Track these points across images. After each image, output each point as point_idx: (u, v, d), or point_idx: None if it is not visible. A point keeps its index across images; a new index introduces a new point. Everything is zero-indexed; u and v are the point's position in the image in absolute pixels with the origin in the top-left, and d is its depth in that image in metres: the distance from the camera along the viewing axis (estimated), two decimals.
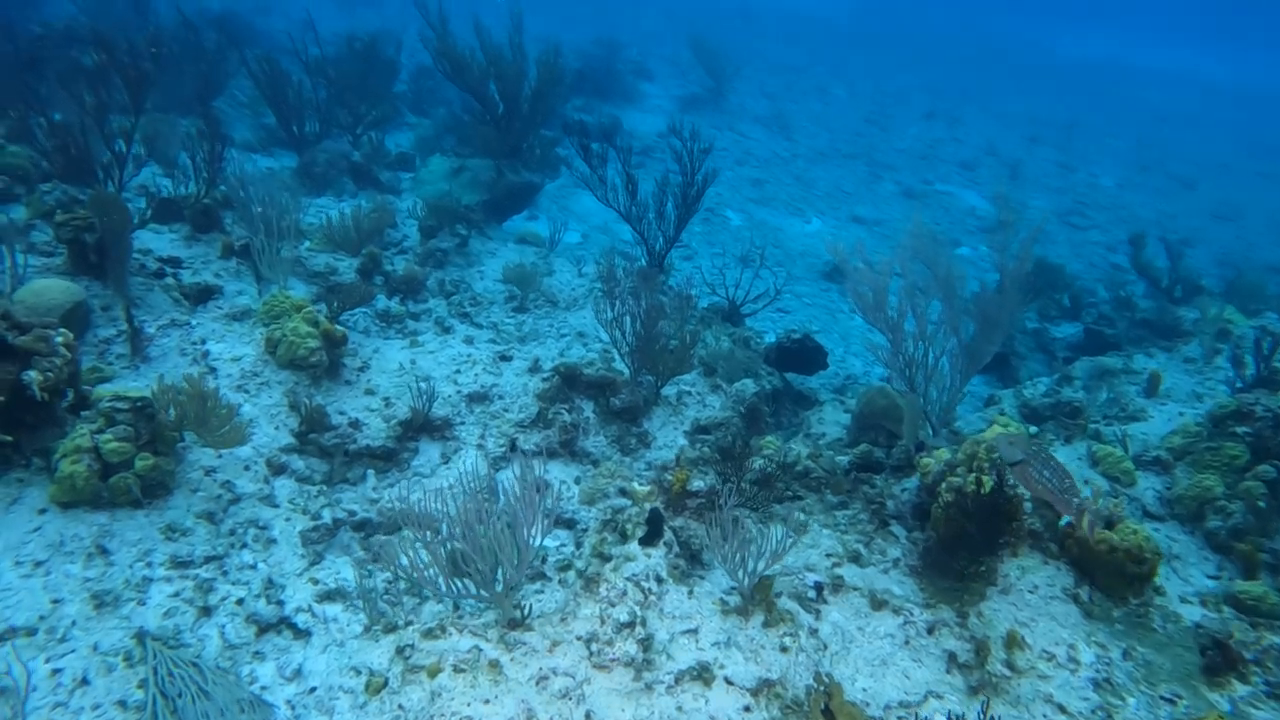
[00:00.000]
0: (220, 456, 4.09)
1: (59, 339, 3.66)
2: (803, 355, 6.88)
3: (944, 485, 4.04)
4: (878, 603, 3.81)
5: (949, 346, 5.28)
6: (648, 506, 3.93)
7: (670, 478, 4.12)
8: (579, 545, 4.16)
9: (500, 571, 3.31)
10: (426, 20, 9.07)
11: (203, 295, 5.58)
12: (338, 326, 4.86)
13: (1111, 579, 3.94)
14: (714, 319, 7.16)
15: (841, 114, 18.81)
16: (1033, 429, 6.01)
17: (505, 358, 5.79)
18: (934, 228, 12.55)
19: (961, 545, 3.99)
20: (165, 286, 5.44)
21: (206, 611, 3.39)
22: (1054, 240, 13.25)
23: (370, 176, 9.15)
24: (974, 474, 3.94)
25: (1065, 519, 4.13)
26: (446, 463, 4.66)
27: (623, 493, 4.51)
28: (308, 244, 6.85)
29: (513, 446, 4.89)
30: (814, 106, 19.14)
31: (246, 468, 4.12)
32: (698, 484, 4.14)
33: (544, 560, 3.97)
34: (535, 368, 5.65)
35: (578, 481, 4.77)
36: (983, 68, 27.73)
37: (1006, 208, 5.10)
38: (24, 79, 7.20)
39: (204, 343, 4.79)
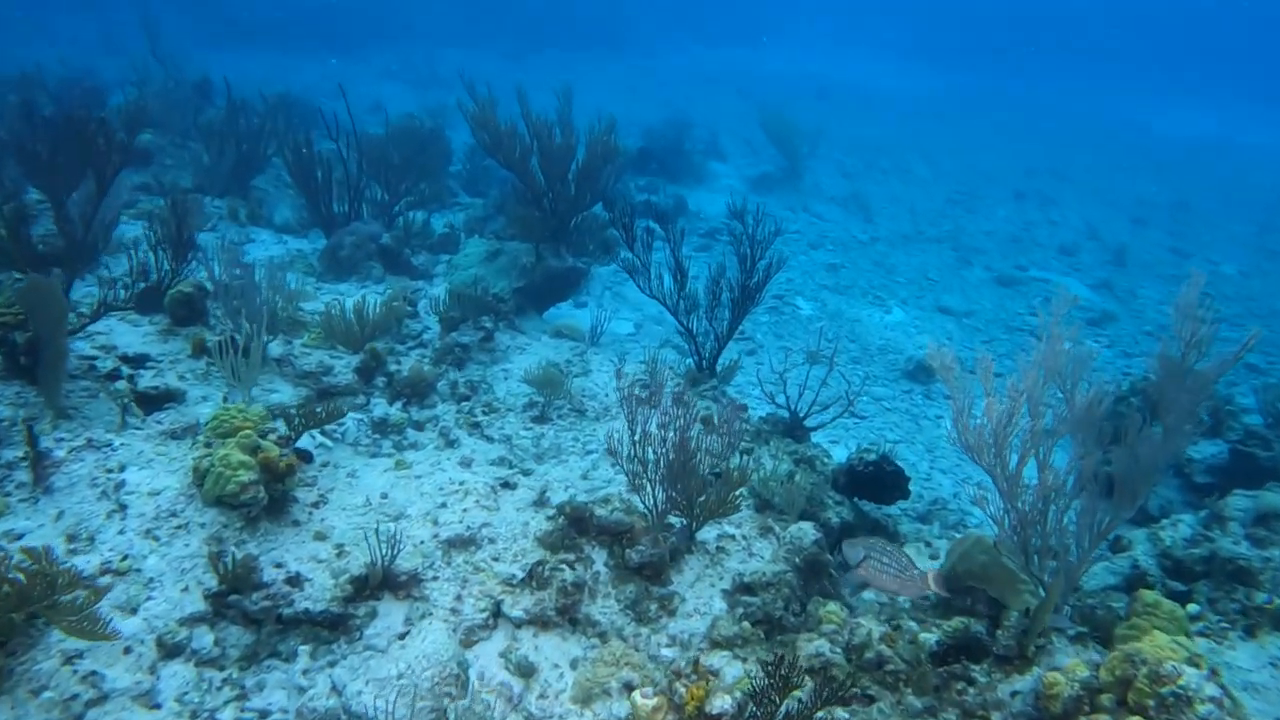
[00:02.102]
0: None
1: None
2: (879, 481, 5.64)
3: None
4: None
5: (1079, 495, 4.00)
6: None
7: (684, 691, 2.95)
8: None
9: None
10: (469, 92, 8.42)
11: (158, 402, 4.74)
12: (287, 453, 3.89)
13: None
14: (772, 434, 6.00)
15: (924, 194, 17.64)
16: (1192, 608, 4.60)
17: (507, 485, 4.74)
18: (1030, 320, 11.19)
19: None
20: (115, 392, 4.61)
21: None
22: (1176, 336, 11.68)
23: (401, 260, 8.41)
24: None
25: None
26: (403, 637, 3.58)
27: (627, 688, 3.36)
28: (304, 339, 6.02)
29: (496, 613, 3.79)
30: (895, 186, 18.04)
31: (128, 650, 3.13)
32: (721, 704, 2.95)
33: None
34: (542, 500, 4.58)
35: (574, 666, 3.63)
36: (1073, 146, 26.27)
37: (1191, 316, 3.88)
38: None
39: (123, 470, 3.88)
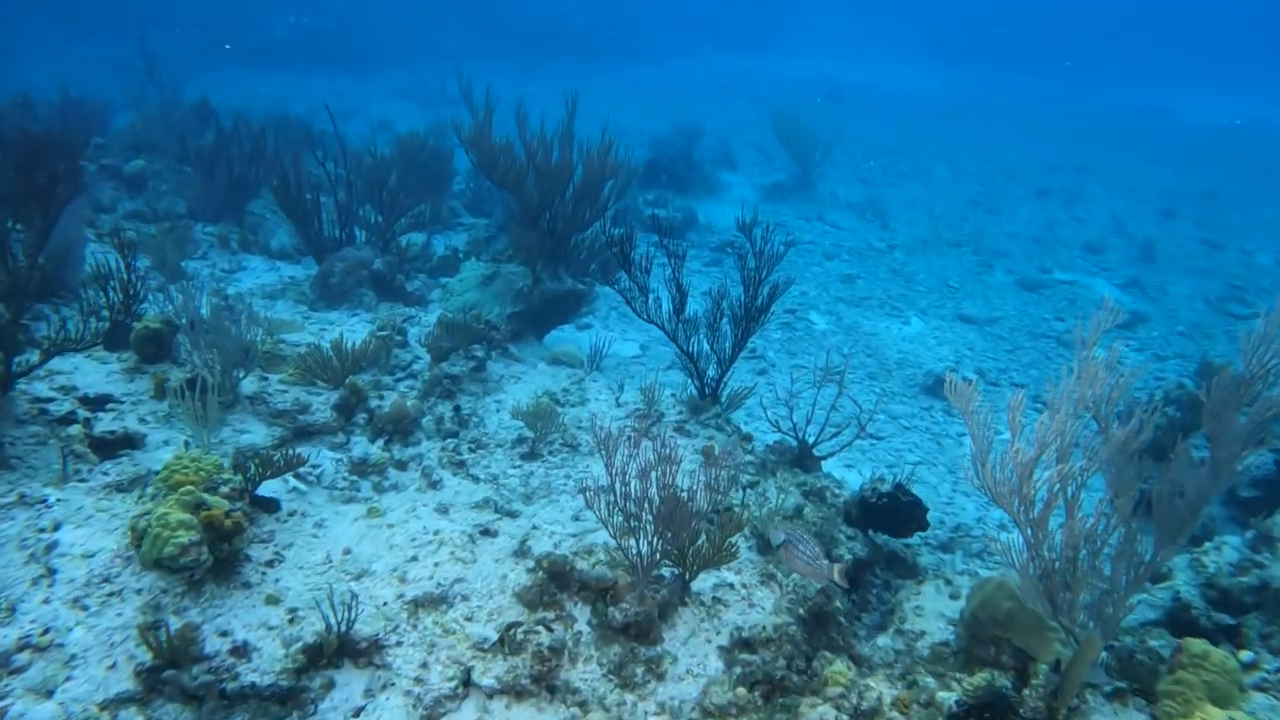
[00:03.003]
0: None
1: None
2: (894, 513, 5.23)
3: None
4: None
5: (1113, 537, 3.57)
6: None
7: None
8: None
9: None
10: (466, 100, 8.13)
11: (115, 447, 4.45)
12: (237, 508, 3.57)
13: None
14: (779, 464, 5.61)
15: (944, 196, 17.14)
16: (1245, 656, 4.14)
17: (487, 532, 4.39)
18: (1056, 325, 10.70)
19: None
20: (66, 438, 4.32)
21: None
22: (1210, 333, 11.13)
23: (394, 286, 8.12)
24: None
25: None
26: (358, 714, 3.24)
27: None
28: (282, 374, 5.72)
29: (466, 681, 3.44)
30: (913, 189, 17.55)
31: None
32: None
33: None
34: (523, 550, 4.22)
35: None
36: (1096, 138, 25.57)
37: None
38: None
39: (57, 529, 3.58)
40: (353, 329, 7.28)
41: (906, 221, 14.99)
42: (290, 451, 4.11)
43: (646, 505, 3.71)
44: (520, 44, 34.24)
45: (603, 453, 3.70)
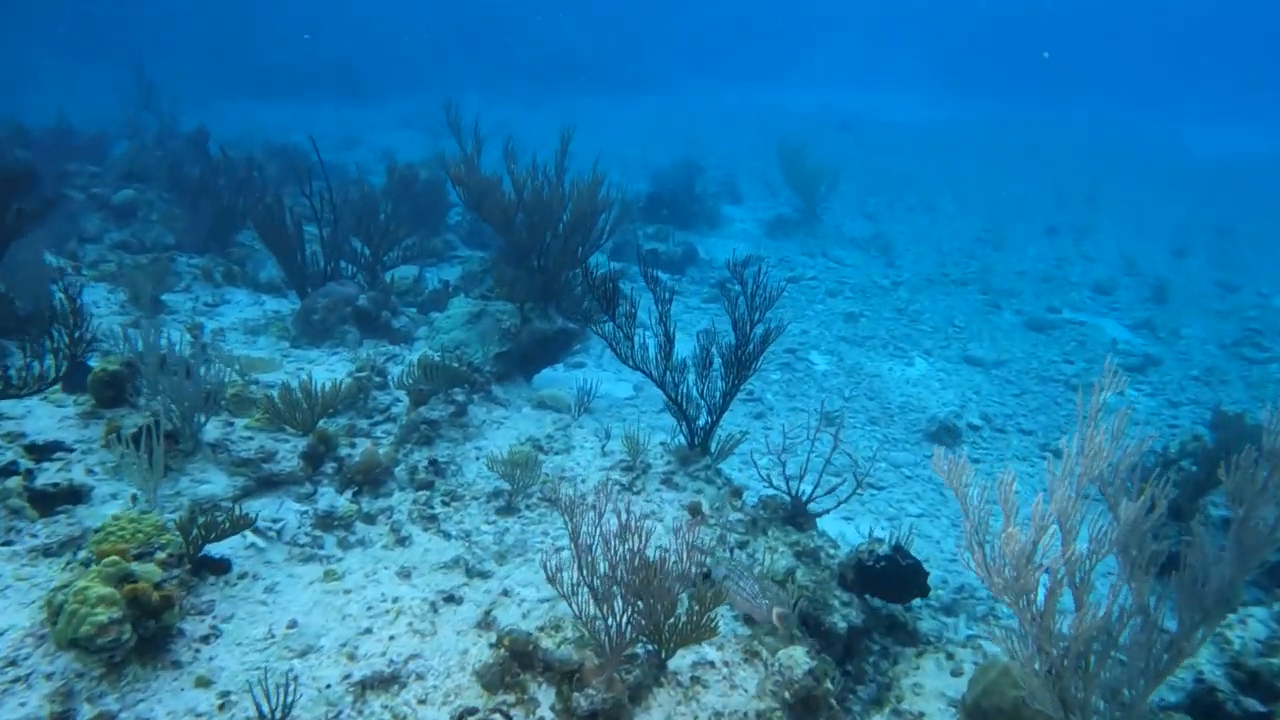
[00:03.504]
0: None
1: None
2: (893, 578, 4.90)
3: None
4: None
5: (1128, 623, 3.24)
6: None
7: None
8: None
9: None
10: (456, 139, 7.94)
11: (57, 501, 4.17)
12: (172, 577, 3.27)
13: None
14: (771, 521, 5.29)
15: (951, 231, 16.88)
16: None
17: (451, 599, 4.09)
18: (1065, 368, 10.36)
19: None
20: (2, 493, 4.04)
21: None
22: (1225, 378, 10.77)
23: (379, 323, 7.87)
24: None
25: None
26: None
27: None
28: (249, 419, 5.45)
29: None
30: (919, 224, 17.30)
31: None
32: None
33: None
34: (487, 621, 3.91)
35: None
36: (1107, 171, 25.34)
37: None
38: None
39: None
40: (332, 368, 7.02)
41: (912, 257, 14.72)
42: (238, 511, 3.81)
43: (616, 576, 3.39)
44: (528, 74, 34.37)
45: (566, 520, 3.38)
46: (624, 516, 3.25)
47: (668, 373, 5.61)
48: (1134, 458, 3.31)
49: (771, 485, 5.39)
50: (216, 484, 4.84)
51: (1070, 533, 3.07)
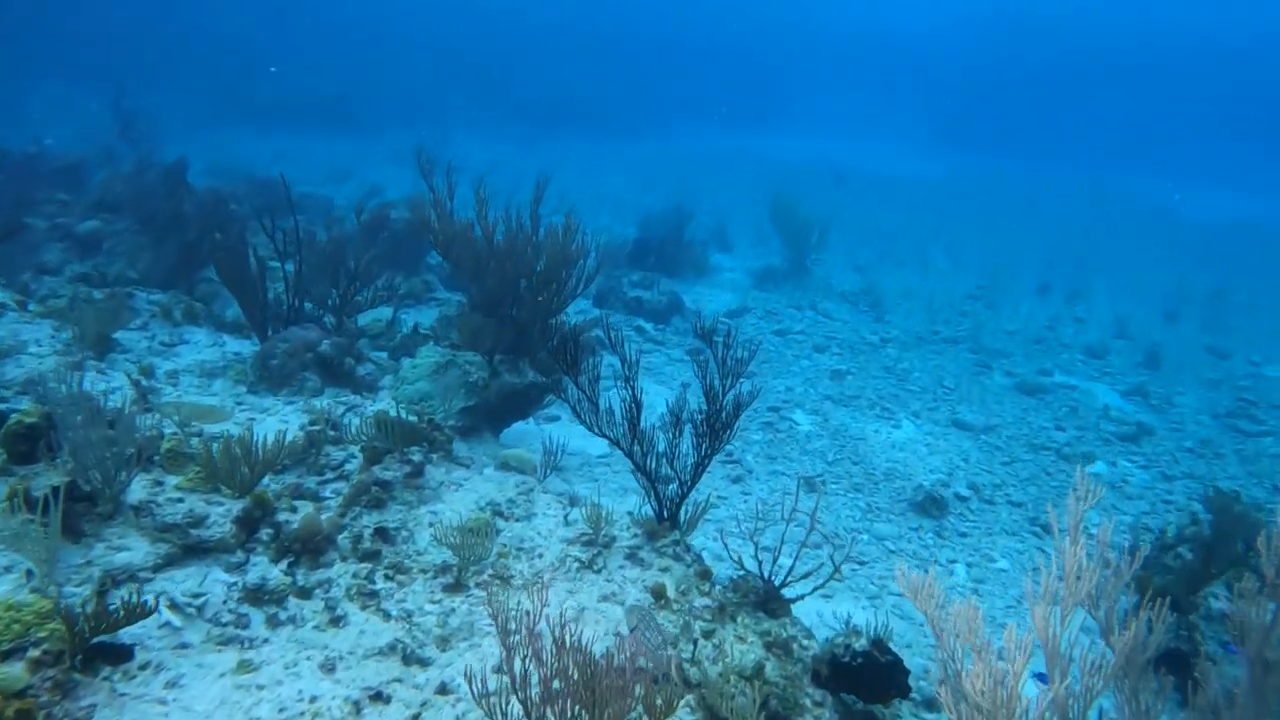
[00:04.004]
0: None
1: None
2: (870, 675, 4.52)
3: None
4: None
5: None
6: None
7: None
8: None
9: None
10: (428, 183, 7.68)
11: None
12: (38, 682, 2.87)
13: None
14: (740, 606, 4.91)
15: (943, 288, 16.68)
16: None
17: (378, 697, 3.68)
18: (1057, 436, 10.04)
19: None
20: None
21: None
22: (1220, 451, 10.46)
23: (342, 371, 7.50)
24: None
25: None
26: None
27: None
28: (183, 477, 5.06)
29: None
30: (910, 279, 17.10)
31: None
32: None
33: None
34: None
35: None
36: (1099, 231, 25.35)
37: None
38: None
39: None
40: (286, 419, 6.64)
41: (903, 313, 14.48)
42: (134, 599, 3.41)
43: (560, 682, 3.00)
44: (525, 115, 34.43)
45: (496, 625, 3.01)
46: (561, 627, 2.88)
47: (635, 443, 5.25)
48: (1125, 577, 2.96)
49: (743, 568, 5.02)
50: (136, 552, 4.44)
51: (1057, 664, 2.71)
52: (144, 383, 6.91)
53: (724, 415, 5.23)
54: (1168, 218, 30.64)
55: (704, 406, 5.26)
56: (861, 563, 6.96)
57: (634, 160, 29.30)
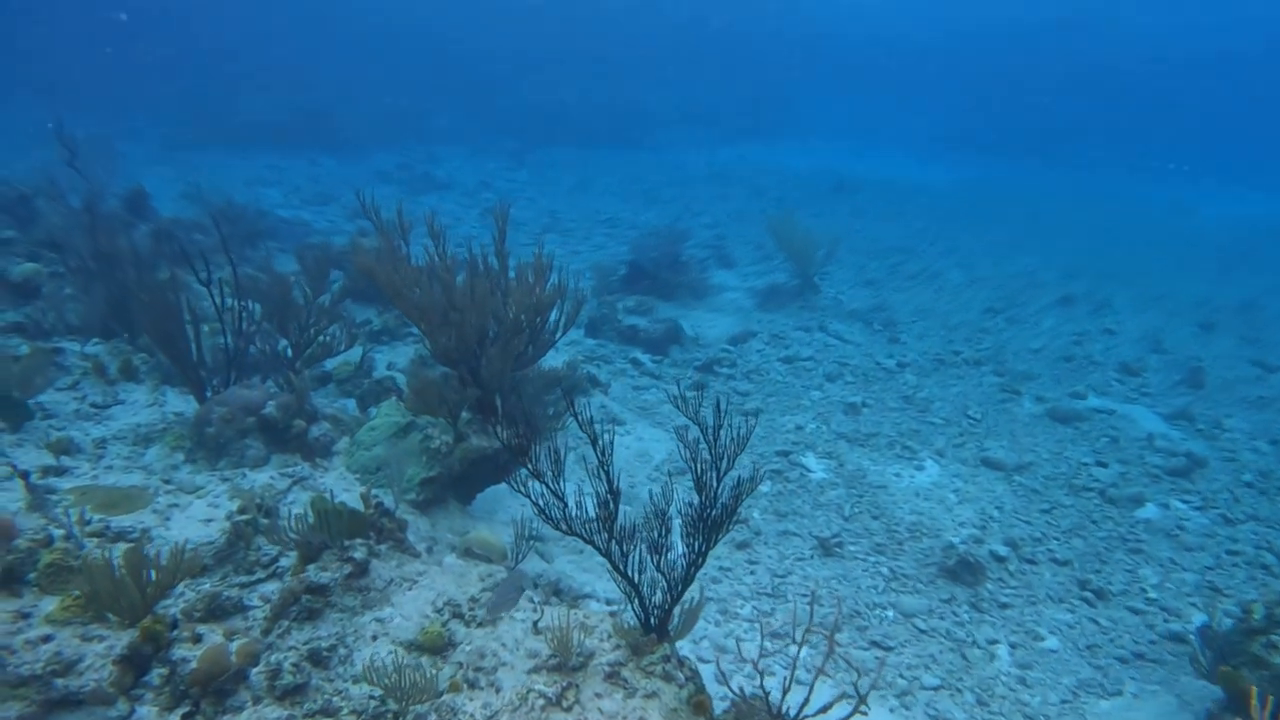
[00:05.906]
0: None
1: None
2: None
3: None
4: None
5: None
6: None
7: None
8: None
9: None
10: (373, 219, 6.78)
11: None
12: None
13: None
14: None
15: (959, 303, 15.69)
16: None
17: None
18: (1099, 473, 9.05)
19: None
20: None
21: None
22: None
23: (290, 435, 6.59)
24: None
25: None
26: None
27: None
28: (58, 602, 4.14)
29: None
30: (924, 295, 16.11)
31: None
32: None
33: None
34: None
35: None
36: (1117, 237, 24.29)
37: None
38: None
39: None
40: (215, 503, 5.72)
41: (918, 333, 13.49)
42: None
43: None
44: (514, 129, 33.56)
45: None
46: None
47: (612, 542, 4.31)
48: None
49: (744, 700, 4.06)
50: None
51: None
52: (59, 461, 6.02)
53: (717, 509, 4.30)
54: (1188, 219, 29.55)
55: (695, 500, 4.33)
56: (887, 648, 5.99)
57: (630, 173, 28.25)
